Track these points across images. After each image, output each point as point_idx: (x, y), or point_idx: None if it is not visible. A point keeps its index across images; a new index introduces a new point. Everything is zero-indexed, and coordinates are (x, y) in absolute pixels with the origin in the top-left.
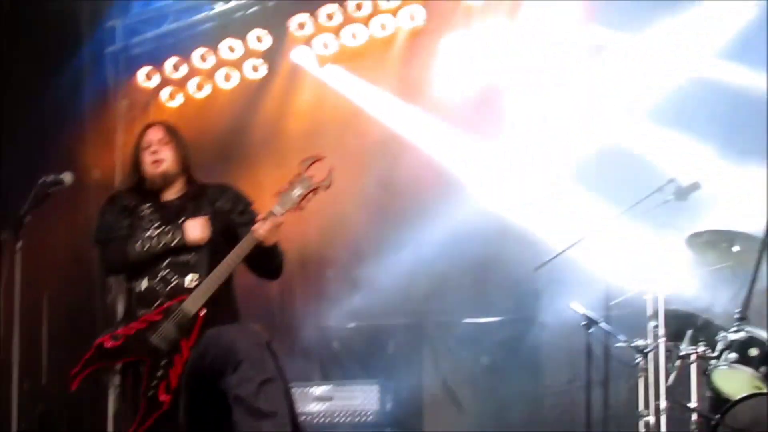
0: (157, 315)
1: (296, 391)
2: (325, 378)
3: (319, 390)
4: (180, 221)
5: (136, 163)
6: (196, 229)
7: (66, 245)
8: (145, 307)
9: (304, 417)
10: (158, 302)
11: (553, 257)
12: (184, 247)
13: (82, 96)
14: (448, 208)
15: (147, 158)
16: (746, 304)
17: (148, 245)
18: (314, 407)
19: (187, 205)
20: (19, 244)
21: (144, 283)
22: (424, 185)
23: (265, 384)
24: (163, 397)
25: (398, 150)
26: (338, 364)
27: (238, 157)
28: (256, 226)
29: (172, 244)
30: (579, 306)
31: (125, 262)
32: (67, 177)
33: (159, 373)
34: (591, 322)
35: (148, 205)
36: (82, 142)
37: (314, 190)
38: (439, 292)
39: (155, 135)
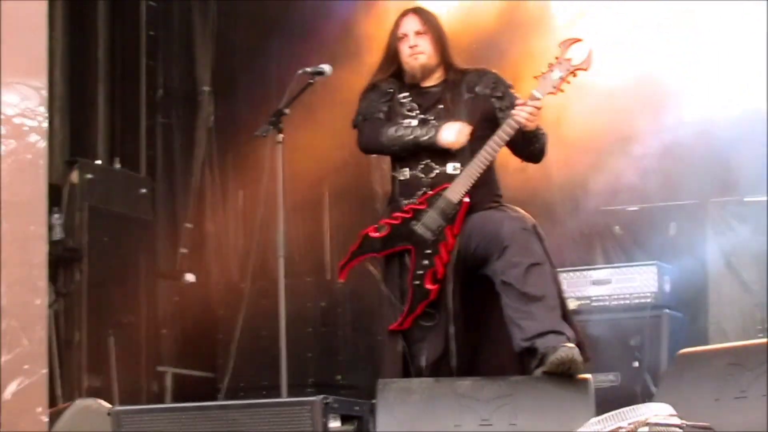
0: (421, 204)
1: (574, 276)
2: (606, 261)
3: (596, 274)
4: (438, 109)
5: (392, 53)
6: (451, 133)
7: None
8: (409, 197)
9: (583, 301)
10: (421, 191)
11: None
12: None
13: None
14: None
15: (404, 49)
16: None
17: (401, 133)
18: (593, 291)
19: (446, 93)
20: (281, 137)
21: (406, 172)
22: None
23: (532, 268)
24: (430, 286)
25: None
26: (619, 247)
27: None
28: (516, 110)
29: (422, 140)
30: None
31: (377, 144)
32: (326, 68)
33: (425, 262)
34: None
35: (406, 93)
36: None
37: (573, 73)
38: (720, 171)
39: (412, 25)
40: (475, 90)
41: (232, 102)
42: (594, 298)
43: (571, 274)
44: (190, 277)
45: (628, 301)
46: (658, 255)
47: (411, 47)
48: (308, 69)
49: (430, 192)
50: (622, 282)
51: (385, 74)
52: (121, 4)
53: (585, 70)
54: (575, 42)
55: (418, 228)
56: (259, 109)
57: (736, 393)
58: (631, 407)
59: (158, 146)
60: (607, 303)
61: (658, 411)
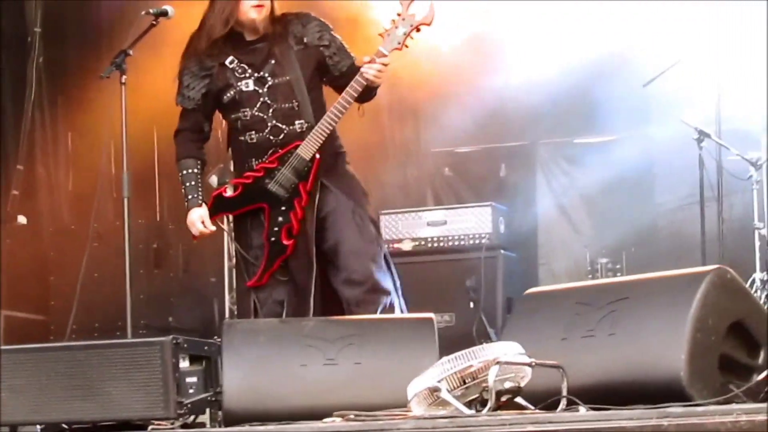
0: (272, 163)
1: (409, 217)
2: (437, 203)
3: (431, 215)
4: (271, 65)
5: (228, 11)
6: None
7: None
8: (259, 157)
9: (418, 242)
10: (272, 150)
11: (663, 72)
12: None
13: None
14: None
15: (245, 2)
16: None
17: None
18: (428, 232)
19: (274, 47)
20: (124, 78)
21: (253, 135)
22: None
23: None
24: (286, 241)
25: None
26: (450, 189)
27: None
28: (364, 68)
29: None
30: (690, 119)
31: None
32: (169, 9)
33: (280, 219)
34: (703, 136)
35: (231, 58)
36: None
37: (417, 28)
38: (549, 113)
39: None
40: (304, 41)
41: (62, 44)
42: (429, 239)
43: (405, 215)
44: (21, 219)
45: (463, 242)
46: (489, 197)
47: None
48: (151, 10)
49: (281, 150)
50: (458, 223)
51: (206, 42)
52: None
53: (428, 25)
54: None
55: (272, 186)
56: (88, 51)
57: (583, 332)
58: (480, 346)
59: None
60: (442, 244)
61: (508, 350)
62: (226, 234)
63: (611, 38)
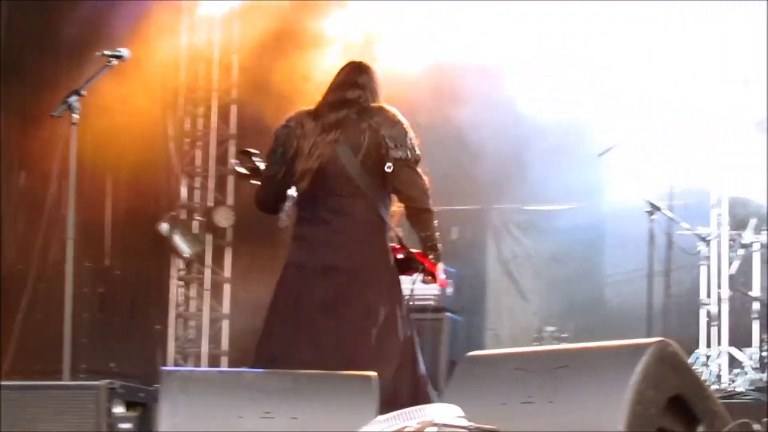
0: None
1: None
2: None
3: None
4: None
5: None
6: None
7: (128, 127)
8: None
9: None
10: None
11: (617, 144)
12: None
13: None
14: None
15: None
16: None
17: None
18: None
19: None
20: (75, 118)
21: None
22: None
23: None
24: None
25: None
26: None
27: None
28: None
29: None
30: (641, 192)
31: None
32: (125, 51)
33: None
34: (654, 209)
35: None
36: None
37: None
38: (503, 178)
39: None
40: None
41: (19, 83)
42: None
43: None
44: None
45: (410, 302)
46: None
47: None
48: (107, 51)
49: None
50: (405, 283)
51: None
52: None
53: None
54: None
55: None
56: (45, 91)
57: (523, 398)
58: (417, 407)
59: None
60: None
61: (446, 412)
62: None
63: (567, 107)
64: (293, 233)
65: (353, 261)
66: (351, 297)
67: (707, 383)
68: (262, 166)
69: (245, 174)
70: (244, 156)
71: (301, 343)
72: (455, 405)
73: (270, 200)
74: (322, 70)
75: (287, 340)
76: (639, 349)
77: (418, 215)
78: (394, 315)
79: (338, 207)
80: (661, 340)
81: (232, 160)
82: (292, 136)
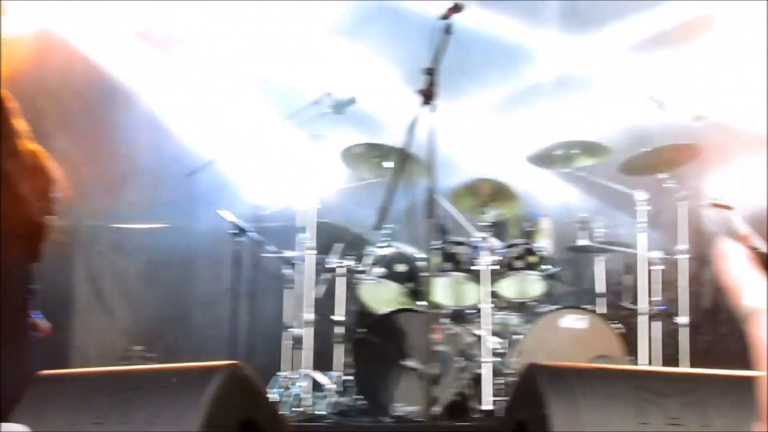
0: None
1: None
2: None
3: None
4: None
5: None
6: None
7: None
8: None
9: None
10: None
11: (206, 164)
12: None
13: None
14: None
15: None
16: (381, 219)
17: None
18: None
19: None
20: None
21: None
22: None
23: None
24: None
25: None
26: None
27: None
28: None
29: None
30: (228, 214)
31: None
32: None
33: None
34: (240, 231)
35: None
36: None
37: None
38: (89, 194)
39: None
40: None
41: None
42: None
43: None
44: None
45: None
46: None
47: None
48: None
49: None
50: None
51: None
52: None
53: None
54: None
55: None
56: None
57: (93, 419)
58: None
59: None
60: None
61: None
62: None
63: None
64: None
65: None
66: None
67: (287, 406)
68: None
69: None
70: None
71: None
72: (24, 426)
73: None
74: None
75: None
76: (210, 372)
77: None
78: None
79: None
80: (233, 364)
81: None
82: None
